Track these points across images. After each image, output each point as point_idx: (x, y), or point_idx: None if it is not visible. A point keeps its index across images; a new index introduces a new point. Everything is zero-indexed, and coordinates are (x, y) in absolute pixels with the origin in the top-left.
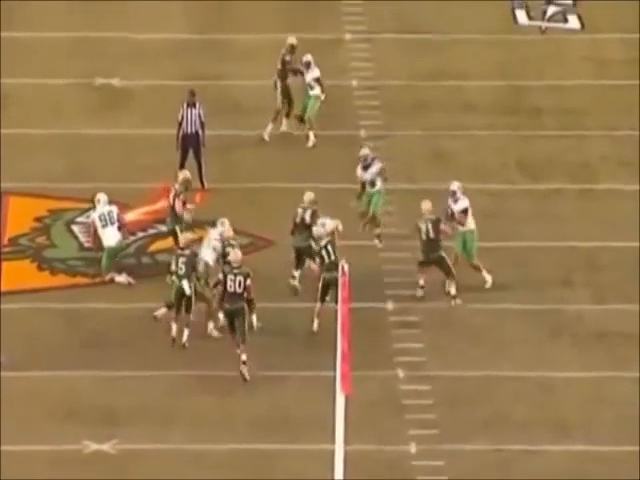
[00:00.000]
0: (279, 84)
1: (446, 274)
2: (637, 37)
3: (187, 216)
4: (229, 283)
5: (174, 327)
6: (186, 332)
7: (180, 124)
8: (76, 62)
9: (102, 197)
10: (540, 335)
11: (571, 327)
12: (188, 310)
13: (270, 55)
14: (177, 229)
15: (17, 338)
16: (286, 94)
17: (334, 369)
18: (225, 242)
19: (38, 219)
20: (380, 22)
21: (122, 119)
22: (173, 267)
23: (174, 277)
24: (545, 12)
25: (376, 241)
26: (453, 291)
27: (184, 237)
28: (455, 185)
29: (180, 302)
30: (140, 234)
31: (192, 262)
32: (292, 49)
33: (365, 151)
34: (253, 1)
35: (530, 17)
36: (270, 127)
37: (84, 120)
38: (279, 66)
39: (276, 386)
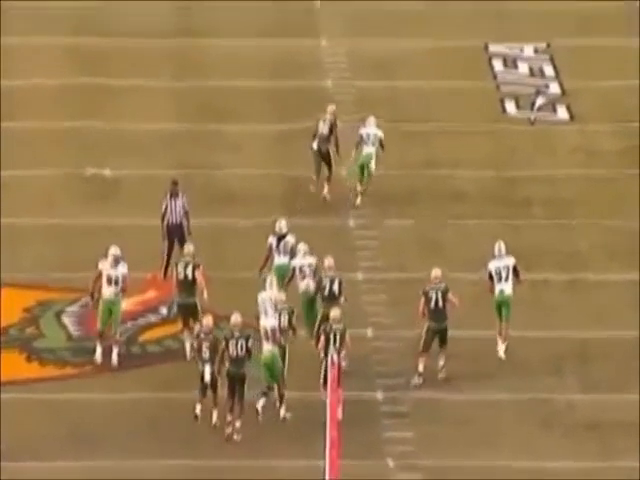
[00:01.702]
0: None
1: (442, 344)
2: (626, 127)
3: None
4: (231, 348)
5: (198, 407)
6: (215, 413)
7: (164, 215)
8: (67, 152)
9: (114, 252)
10: (531, 425)
11: (562, 417)
12: (215, 390)
13: (259, 145)
14: (197, 303)
15: (5, 428)
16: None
17: (323, 458)
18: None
19: (27, 309)
20: (371, 110)
21: (113, 209)
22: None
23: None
24: (534, 103)
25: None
26: (442, 362)
27: (207, 320)
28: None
29: (205, 386)
30: (129, 324)
31: (215, 346)
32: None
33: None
34: (243, 92)
35: (519, 108)
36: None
37: (75, 210)
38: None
39: (265, 475)
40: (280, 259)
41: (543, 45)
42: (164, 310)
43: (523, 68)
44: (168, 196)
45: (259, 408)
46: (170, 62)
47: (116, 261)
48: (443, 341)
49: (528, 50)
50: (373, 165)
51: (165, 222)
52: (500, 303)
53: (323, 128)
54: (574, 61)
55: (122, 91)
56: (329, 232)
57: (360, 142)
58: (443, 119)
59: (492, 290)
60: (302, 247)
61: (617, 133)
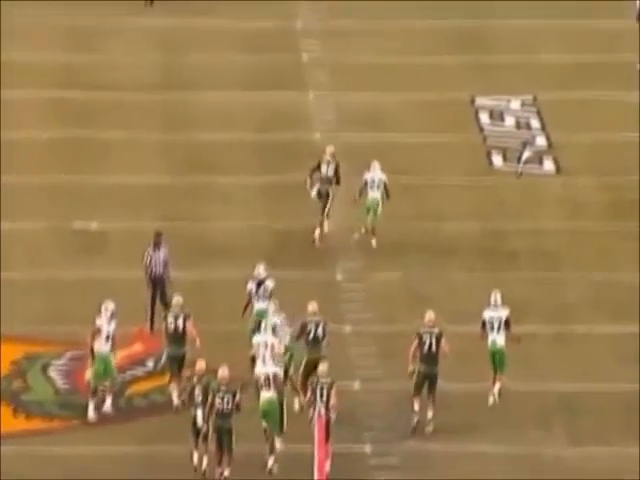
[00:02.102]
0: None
1: (431, 391)
2: (612, 180)
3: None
4: (217, 401)
5: (195, 455)
6: (205, 460)
7: (148, 265)
8: (55, 205)
9: (104, 306)
10: (519, 477)
11: (550, 469)
12: (206, 438)
13: (247, 197)
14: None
15: None
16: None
17: None
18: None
19: (14, 362)
20: (359, 166)
21: (100, 262)
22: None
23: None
24: (521, 156)
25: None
26: (430, 415)
27: (200, 364)
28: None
29: (198, 430)
30: (117, 378)
31: (207, 390)
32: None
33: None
34: (231, 145)
35: (506, 160)
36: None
37: (62, 263)
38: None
39: None
40: (259, 304)
41: (530, 98)
42: (150, 363)
43: (510, 121)
44: (151, 247)
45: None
46: (158, 115)
47: (112, 316)
48: (432, 387)
49: (515, 103)
50: (380, 209)
51: (148, 273)
52: (493, 353)
53: (327, 170)
54: (560, 114)
55: (110, 144)
56: (317, 285)
57: (364, 187)
58: (430, 172)
59: (484, 339)
60: (273, 306)
61: (603, 186)
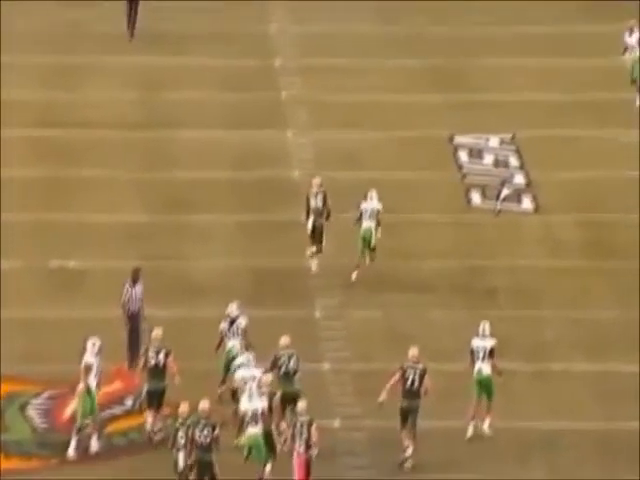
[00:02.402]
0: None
1: (411, 427)
2: (590, 218)
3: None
4: (197, 434)
5: None
6: None
7: (126, 302)
8: (33, 244)
9: (91, 341)
10: None
11: None
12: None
13: (225, 236)
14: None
15: None
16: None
17: None
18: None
19: None
20: (338, 204)
21: (78, 301)
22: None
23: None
24: (499, 193)
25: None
26: (409, 452)
27: (183, 407)
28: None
29: (181, 473)
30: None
31: (191, 432)
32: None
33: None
34: (209, 183)
35: (485, 198)
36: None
37: (40, 302)
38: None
39: None
40: (232, 342)
41: (508, 136)
42: (129, 402)
43: (488, 159)
44: (130, 282)
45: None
46: (137, 153)
47: (99, 352)
48: (413, 423)
49: (493, 141)
50: (374, 239)
51: (127, 309)
52: (478, 382)
53: (316, 202)
54: (539, 152)
55: (89, 182)
56: (296, 323)
57: (360, 217)
58: (409, 209)
59: (472, 366)
60: (250, 357)
61: (581, 224)
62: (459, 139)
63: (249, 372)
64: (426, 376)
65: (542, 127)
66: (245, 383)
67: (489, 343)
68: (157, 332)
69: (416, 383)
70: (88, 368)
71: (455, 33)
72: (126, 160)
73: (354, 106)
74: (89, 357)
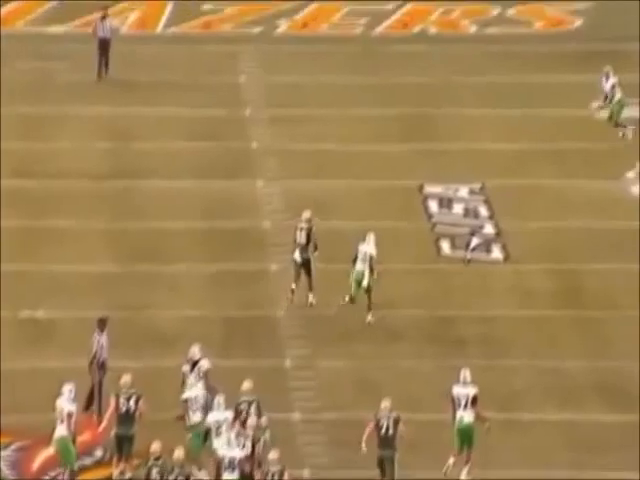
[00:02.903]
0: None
1: (390, 477)
2: (560, 268)
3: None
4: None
5: None
6: None
7: (97, 352)
8: (2, 295)
9: (68, 387)
10: None
11: None
12: None
13: (195, 286)
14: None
15: None
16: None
17: None
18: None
19: None
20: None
21: (47, 352)
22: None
23: None
24: (469, 243)
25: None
26: None
27: (156, 446)
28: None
29: None
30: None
31: (163, 472)
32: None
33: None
34: (179, 233)
35: (454, 248)
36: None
37: (9, 353)
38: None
39: None
40: (193, 382)
41: (477, 186)
42: (99, 452)
43: (458, 209)
44: (98, 331)
45: None
46: (107, 203)
47: (74, 398)
48: (390, 471)
49: (463, 191)
50: (365, 282)
51: (97, 358)
52: (459, 430)
53: (300, 238)
54: (508, 202)
55: (58, 233)
56: (266, 372)
57: (356, 258)
58: (379, 259)
59: (453, 415)
60: (220, 399)
61: (551, 273)
62: (428, 189)
63: (222, 415)
64: (400, 423)
65: (511, 177)
66: (218, 427)
67: (471, 391)
68: (126, 379)
69: (390, 430)
70: (70, 415)
71: (423, 83)
72: (96, 210)
73: (324, 155)
74: (68, 404)
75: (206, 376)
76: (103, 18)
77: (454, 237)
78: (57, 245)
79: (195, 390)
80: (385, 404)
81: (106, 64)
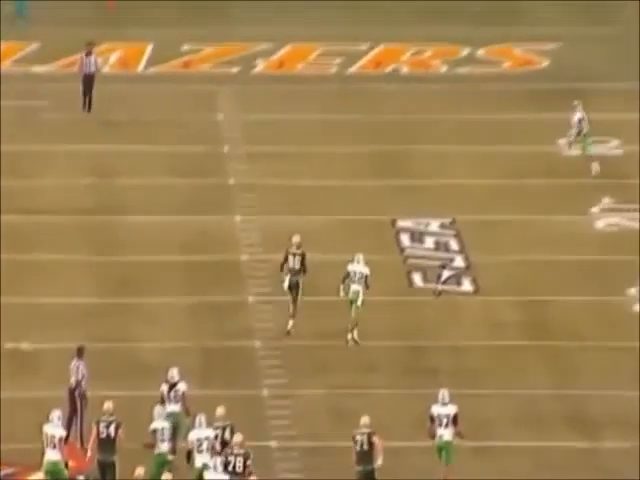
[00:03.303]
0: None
1: None
2: (527, 300)
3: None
4: None
5: None
6: None
7: (78, 382)
8: None
9: (57, 414)
10: None
11: None
12: None
13: (174, 317)
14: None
15: None
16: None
17: None
18: None
19: None
20: (282, 291)
21: (31, 382)
22: None
23: None
24: (440, 276)
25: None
26: None
27: (139, 471)
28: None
29: None
30: None
31: None
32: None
33: None
34: (160, 266)
35: (426, 280)
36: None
37: None
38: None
39: None
40: (171, 406)
41: (448, 220)
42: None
43: (429, 242)
44: (76, 359)
45: None
46: (88, 238)
47: (62, 424)
48: None
49: (434, 225)
50: (360, 302)
51: (78, 386)
52: (440, 447)
53: (294, 263)
54: (478, 236)
55: (41, 266)
56: (243, 401)
57: (346, 277)
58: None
59: (432, 434)
60: (201, 418)
61: (519, 305)
62: (401, 223)
63: (203, 433)
64: (374, 437)
65: (481, 212)
66: (200, 444)
67: (452, 410)
68: (108, 405)
69: (365, 446)
70: (60, 440)
71: (396, 121)
72: (79, 244)
73: (299, 191)
74: (59, 429)
75: (183, 398)
76: (88, 54)
77: (426, 270)
78: (41, 278)
79: (162, 422)
80: (364, 421)
81: (90, 99)
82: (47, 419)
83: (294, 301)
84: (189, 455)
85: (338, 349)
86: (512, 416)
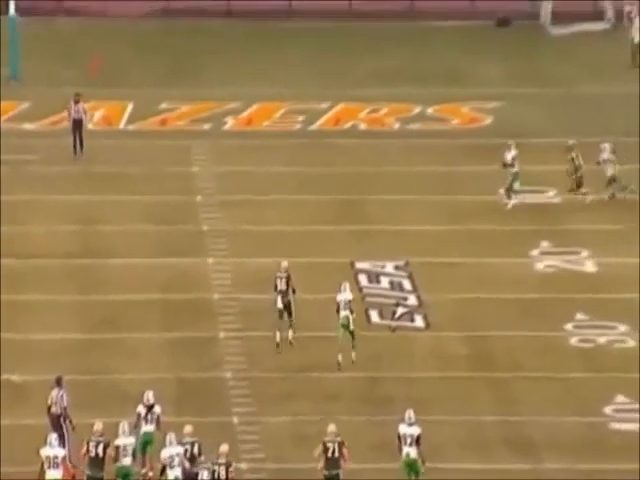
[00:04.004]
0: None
1: None
2: (473, 335)
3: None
4: None
5: None
6: None
7: (49, 406)
8: None
9: (54, 436)
10: None
11: None
12: None
13: (153, 351)
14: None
15: None
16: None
17: None
18: None
19: None
20: (253, 321)
21: (23, 411)
22: None
23: None
24: (394, 312)
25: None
26: None
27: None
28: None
29: None
30: None
31: None
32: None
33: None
34: (139, 305)
35: (382, 317)
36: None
37: None
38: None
39: None
40: (147, 427)
41: (402, 263)
42: None
43: (385, 282)
44: (57, 388)
45: None
46: (73, 279)
47: (59, 444)
48: None
49: (389, 267)
50: (352, 325)
51: (59, 411)
52: (406, 464)
53: (281, 285)
54: (429, 277)
55: (31, 305)
56: (216, 427)
57: (339, 307)
58: (316, 328)
59: (400, 451)
60: (171, 436)
61: (466, 340)
62: (359, 265)
63: (174, 450)
64: (343, 447)
65: (431, 255)
66: (172, 460)
67: (416, 430)
68: (98, 426)
69: (336, 452)
70: (63, 460)
71: (354, 172)
72: (65, 285)
73: (266, 236)
74: (58, 450)
75: (157, 419)
76: (76, 103)
77: (382, 307)
78: (31, 316)
79: (126, 439)
80: (331, 428)
81: (81, 142)
82: (45, 442)
83: (289, 315)
84: (163, 470)
85: (302, 380)
86: (460, 440)
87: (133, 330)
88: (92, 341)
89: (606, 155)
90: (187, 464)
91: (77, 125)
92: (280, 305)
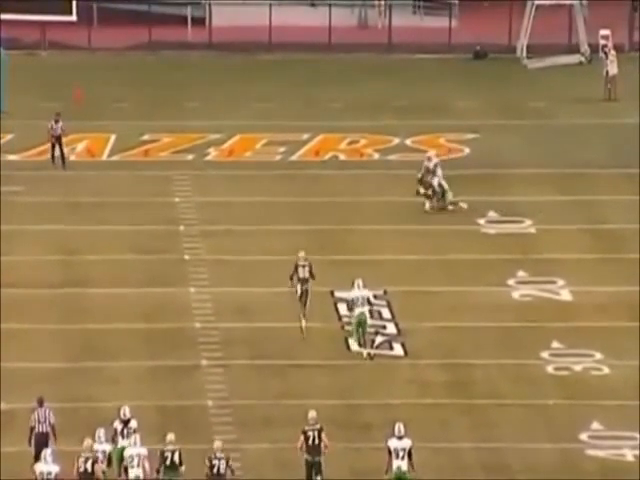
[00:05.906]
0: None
1: (317, 474)
2: (451, 362)
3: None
4: None
5: None
6: None
7: (33, 427)
8: None
9: (49, 451)
10: None
11: None
12: None
13: (134, 379)
14: None
15: None
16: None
17: None
18: None
19: None
20: (234, 349)
21: (8, 438)
22: None
23: None
24: (373, 341)
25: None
26: None
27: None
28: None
29: None
30: None
31: None
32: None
33: None
34: (120, 333)
35: (360, 345)
36: None
37: None
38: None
39: None
40: (124, 442)
41: (381, 292)
42: None
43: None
44: (39, 409)
45: None
46: (56, 308)
47: (54, 460)
48: (318, 472)
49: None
50: (368, 321)
51: (34, 431)
52: (397, 478)
53: (304, 273)
54: (407, 305)
55: (15, 334)
56: (197, 455)
57: (352, 307)
58: (296, 355)
59: (389, 465)
60: (136, 438)
61: (444, 367)
62: (338, 294)
63: (135, 450)
64: (323, 434)
65: (409, 284)
66: (132, 459)
67: (407, 444)
68: (87, 443)
69: (316, 440)
70: (56, 476)
71: (334, 202)
72: (48, 314)
73: (247, 265)
74: (53, 466)
75: (134, 433)
76: (56, 121)
77: (360, 335)
78: (15, 344)
79: (100, 445)
80: (311, 415)
81: (62, 157)
82: (39, 458)
83: (304, 305)
84: (126, 471)
85: (282, 407)
86: (438, 466)
87: (115, 358)
88: (74, 369)
89: (431, 165)
90: (147, 466)
91: (58, 140)
92: (300, 291)
